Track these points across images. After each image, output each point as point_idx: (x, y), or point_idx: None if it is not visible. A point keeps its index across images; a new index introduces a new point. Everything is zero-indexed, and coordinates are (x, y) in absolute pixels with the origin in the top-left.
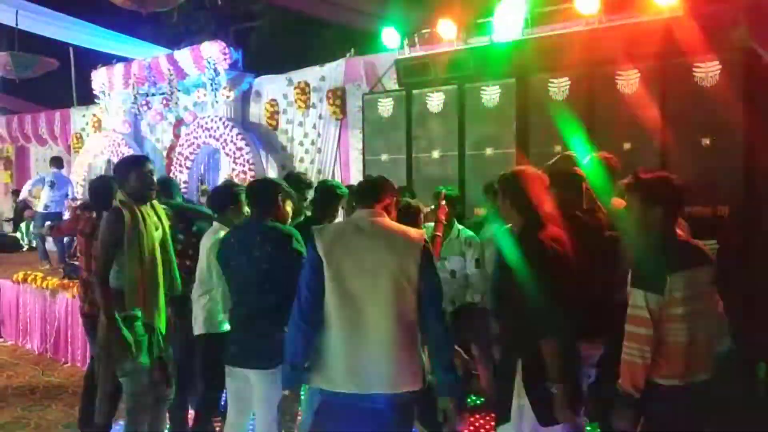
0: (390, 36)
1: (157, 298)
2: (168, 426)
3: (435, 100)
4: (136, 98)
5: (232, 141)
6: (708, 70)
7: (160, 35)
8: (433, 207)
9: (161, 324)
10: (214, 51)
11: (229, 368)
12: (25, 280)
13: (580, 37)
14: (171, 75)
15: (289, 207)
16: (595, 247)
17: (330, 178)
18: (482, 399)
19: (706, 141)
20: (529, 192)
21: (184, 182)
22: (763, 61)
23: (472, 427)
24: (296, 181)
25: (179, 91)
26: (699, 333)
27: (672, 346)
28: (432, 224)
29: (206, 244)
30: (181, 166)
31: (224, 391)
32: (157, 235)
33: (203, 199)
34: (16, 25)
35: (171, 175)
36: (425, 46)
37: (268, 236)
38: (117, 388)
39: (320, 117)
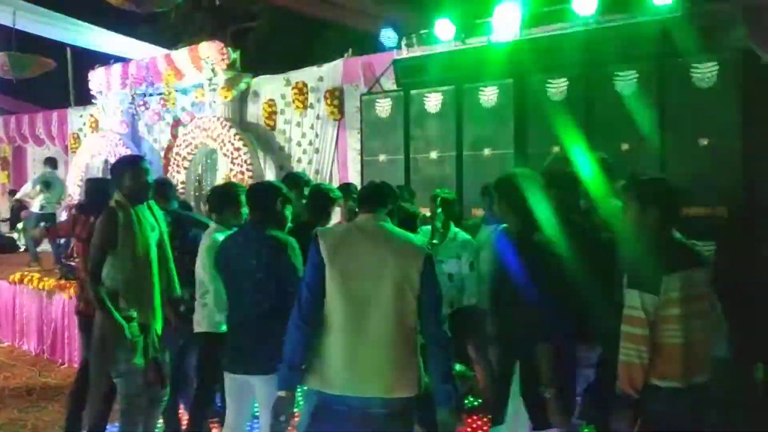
0: (388, 36)
1: (152, 298)
2: (161, 427)
3: (433, 101)
4: (133, 98)
5: (229, 141)
6: (706, 71)
7: (158, 35)
8: (430, 212)
9: (157, 325)
10: (212, 51)
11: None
12: (21, 281)
13: (578, 37)
14: (169, 75)
15: (288, 212)
16: (592, 248)
17: (324, 182)
18: (480, 400)
19: (704, 142)
20: (525, 194)
21: (182, 182)
22: (761, 62)
23: (469, 429)
24: (295, 181)
25: (177, 91)
26: (696, 334)
27: (669, 348)
28: (428, 227)
29: (205, 243)
30: (178, 166)
31: (219, 391)
32: (153, 235)
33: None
34: (14, 25)
35: (168, 175)
36: (423, 47)
37: (265, 245)
38: (111, 389)
39: (318, 117)
